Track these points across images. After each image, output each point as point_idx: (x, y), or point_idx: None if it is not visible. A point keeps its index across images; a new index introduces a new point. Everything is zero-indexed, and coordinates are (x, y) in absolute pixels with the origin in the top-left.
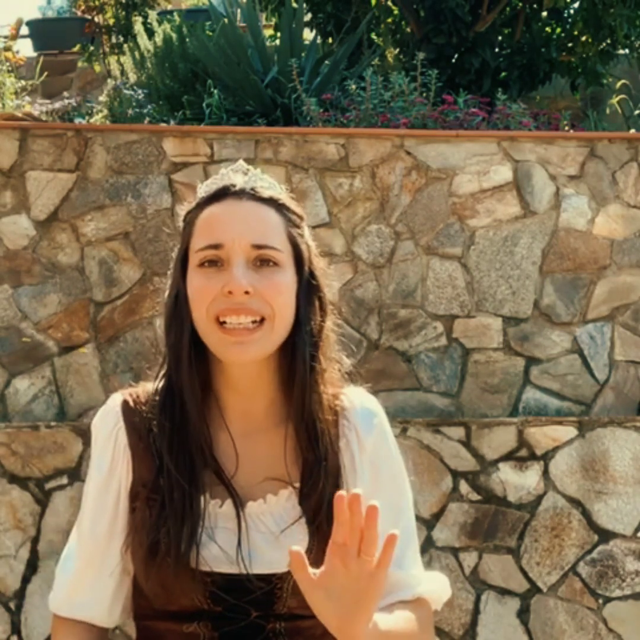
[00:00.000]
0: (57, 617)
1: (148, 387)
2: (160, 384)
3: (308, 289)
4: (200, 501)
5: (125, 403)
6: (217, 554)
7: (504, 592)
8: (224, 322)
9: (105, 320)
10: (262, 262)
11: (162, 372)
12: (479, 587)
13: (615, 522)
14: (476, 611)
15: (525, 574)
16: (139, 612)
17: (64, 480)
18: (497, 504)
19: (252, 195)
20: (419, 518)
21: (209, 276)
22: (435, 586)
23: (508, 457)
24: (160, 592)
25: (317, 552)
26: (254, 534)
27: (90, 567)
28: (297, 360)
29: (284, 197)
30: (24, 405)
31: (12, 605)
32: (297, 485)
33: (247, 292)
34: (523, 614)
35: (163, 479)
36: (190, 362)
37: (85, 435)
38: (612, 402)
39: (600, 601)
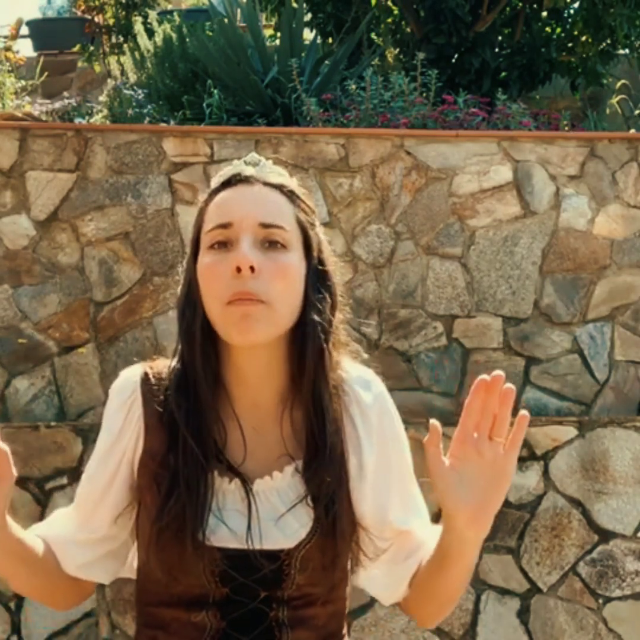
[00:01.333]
0: None
1: (167, 363)
2: (174, 364)
3: (317, 275)
4: (210, 477)
5: (145, 375)
6: (225, 530)
7: (504, 592)
8: (230, 302)
9: (105, 320)
10: (271, 243)
11: (176, 357)
12: (479, 587)
13: (615, 522)
14: (476, 611)
15: (525, 574)
16: (143, 597)
17: (64, 480)
18: None
19: (263, 182)
20: None
21: (218, 257)
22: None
23: None
24: (167, 569)
25: (321, 531)
26: (261, 511)
27: (74, 525)
28: (306, 347)
29: (295, 186)
30: (24, 405)
31: (12, 605)
32: (301, 461)
33: (252, 268)
34: (523, 614)
35: (174, 454)
36: (203, 347)
37: (85, 435)
38: (612, 402)
39: (600, 601)
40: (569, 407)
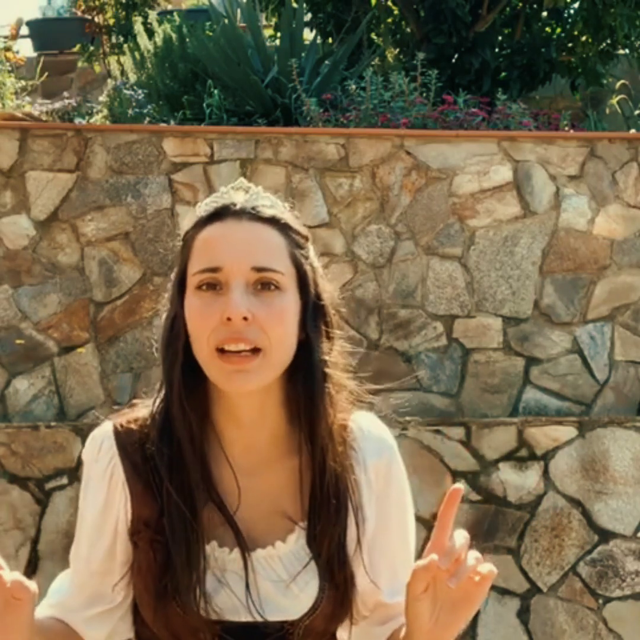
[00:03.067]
0: None
1: (140, 413)
2: (158, 408)
3: (314, 312)
4: (204, 548)
5: (117, 434)
6: (226, 601)
7: (504, 592)
8: (223, 349)
9: (105, 320)
10: (263, 285)
11: (160, 397)
12: None
13: (615, 522)
14: (476, 611)
15: (525, 574)
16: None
17: (64, 480)
18: (497, 504)
19: (253, 215)
20: (419, 518)
21: (207, 302)
22: None
23: (508, 457)
24: (166, 634)
25: (328, 591)
26: (263, 582)
27: (80, 597)
28: (304, 387)
29: (287, 216)
30: (24, 405)
31: None
32: (304, 525)
33: (245, 318)
34: (523, 614)
35: (166, 518)
36: (181, 393)
37: (85, 435)
38: (612, 402)
39: (600, 601)
40: (569, 407)
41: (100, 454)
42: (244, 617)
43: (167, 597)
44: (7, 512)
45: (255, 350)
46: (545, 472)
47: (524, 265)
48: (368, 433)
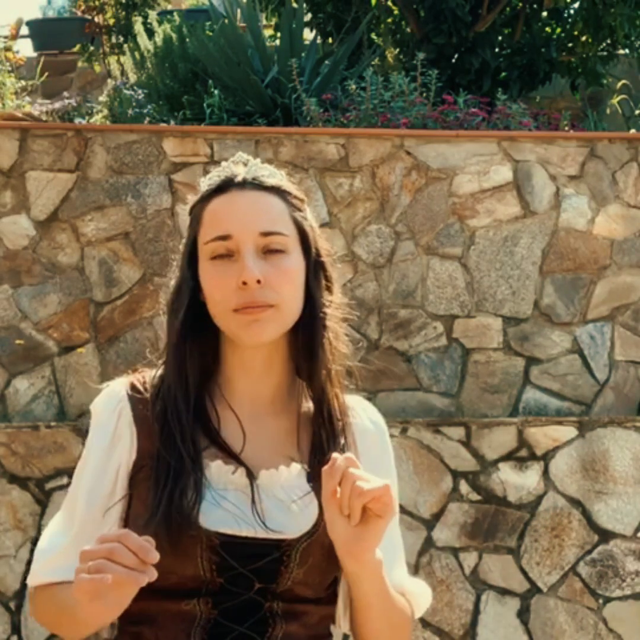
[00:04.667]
0: (36, 589)
1: (151, 373)
2: (164, 364)
3: (316, 269)
4: (202, 461)
5: (131, 383)
6: (224, 515)
7: (504, 592)
8: (238, 311)
9: (105, 320)
10: (271, 250)
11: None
12: (479, 587)
13: (615, 522)
14: (476, 611)
15: (525, 574)
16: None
17: (64, 480)
18: (497, 504)
19: (255, 185)
20: (419, 518)
21: (222, 270)
22: (419, 594)
23: (508, 457)
24: (162, 558)
25: (325, 527)
26: (265, 499)
27: (82, 541)
28: (306, 338)
29: (285, 183)
30: (24, 405)
31: (12, 605)
32: (306, 465)
33: (259, 281)
34: (523, 614)
35: (170, 448)
36: (182, 356)
37: (85, 435)
38: (612, 402)
39: (600, 601)
40: (569, 407)
41: (110, 397)
42: (245, 531)
43: (161, 515)
44: (7, 512)
45: (269, 306)
46: (545, 472)
47: (524, 265)
48: (362, 408)
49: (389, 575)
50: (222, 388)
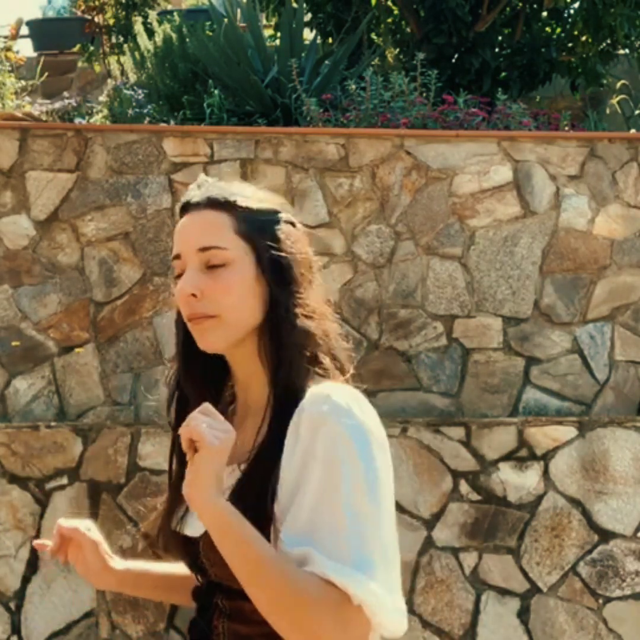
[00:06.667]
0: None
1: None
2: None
3: (276, 274)
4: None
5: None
6: (191, 515)
7: (504, 592)
8: (190, 320)
9: (105, 320)
10: (212, 265)
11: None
12: (479, 587)
13: (615, 522)
14: (476, 611)
15: (525, 574)
16: None
17: (64, 480)
18: (497, 504)
19: (205, 205)
20: (419, 518)
21: (177, 286)
22: (384, 608)
23: (508, 457)
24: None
25: None
26: None
27: None
28: (268, 339)
29: (240, 196)
30: (24, 405)
31: (12, 605)
32: (243, 467)
33: (194, 295)
34: (523, 614)
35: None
36: (180, 364)
37: (85, 435)
38: (612, 402)
39: (600, 601)
40: (569, 407)
41: None
42: (188, 530)
43: (161, 519)
44: (7, 512)
45: (210, 316)
46: (545, 472)
47: (524, 265)
48: (315, 393)
49: (302, 531)
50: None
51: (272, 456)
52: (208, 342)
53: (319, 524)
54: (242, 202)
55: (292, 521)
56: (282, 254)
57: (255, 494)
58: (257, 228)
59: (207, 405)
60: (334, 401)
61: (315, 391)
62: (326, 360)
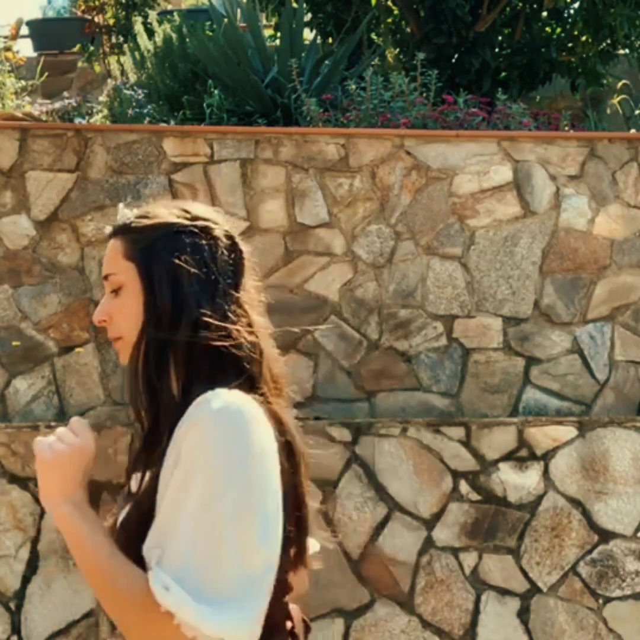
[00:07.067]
0: None
1: None
2: None
3: (149, 294)
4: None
5: None
6: None
7: (504, 592)
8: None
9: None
10: (113, 289)
11: None
12: (479, 587)
13: (615, 522)
14: (476, 611)
15: (525, 574)
16: None
17: None
18: (497, 504)
19: (112, 234)
20: (419, 518)
21: None
22: (187, 605)
23: (508, 457)
24: None
25: (122, 525)
26: None
27: None
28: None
29: (138, 219)
30: (24, 405)
31: (12, 605)
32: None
33: (104, 321)
34: (523, 614)
35: None
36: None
37: None
38: (612, 402)
39: (601, 601)
40: (569, 407)
41: None
42: None
43: None
44: (7, 512)
45: (118, 338)
46: (545, 472)
47: (524, 265)
48: (198, 402)
49: (159, 536)
50: None
51: (157, 474)
52: (122, 360)
53: (166, 529)
54: (135, 224)
55: (154, 525)
56: (161, 266)
57: (136, 521)
58: (143, 248)
59: (74, 419)
60: (208, 409)
61: (199, 399)
62: (226, 366)
